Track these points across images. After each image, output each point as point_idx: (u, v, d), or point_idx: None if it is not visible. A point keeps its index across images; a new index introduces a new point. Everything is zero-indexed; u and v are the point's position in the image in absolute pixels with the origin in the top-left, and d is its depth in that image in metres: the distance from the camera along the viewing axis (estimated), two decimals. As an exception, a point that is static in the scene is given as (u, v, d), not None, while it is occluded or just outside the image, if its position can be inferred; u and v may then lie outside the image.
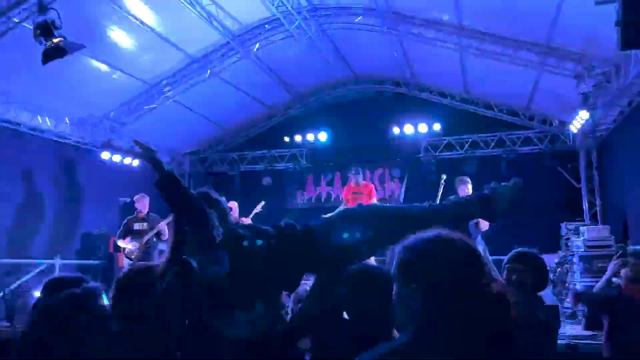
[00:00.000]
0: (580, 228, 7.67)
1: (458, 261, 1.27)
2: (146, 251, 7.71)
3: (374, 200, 8.18)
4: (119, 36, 8.03)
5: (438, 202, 7.08)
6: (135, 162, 10.33)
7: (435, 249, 1.30)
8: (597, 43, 7.02)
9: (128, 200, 7.83)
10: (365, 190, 8.12)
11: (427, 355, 1.18)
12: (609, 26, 4.92)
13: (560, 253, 8.15)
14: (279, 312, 2.54)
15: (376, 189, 11.44)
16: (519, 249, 3.03)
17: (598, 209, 9.92)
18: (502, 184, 2.86)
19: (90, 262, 9.10)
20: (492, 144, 11.04)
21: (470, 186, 7.04)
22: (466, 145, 11.20)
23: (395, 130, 11.41)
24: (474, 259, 1.29)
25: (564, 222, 8.56)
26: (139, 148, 2.49)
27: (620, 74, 7.25)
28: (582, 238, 7.32)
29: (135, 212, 7.93)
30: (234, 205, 8.08)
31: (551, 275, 8.13)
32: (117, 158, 9.93)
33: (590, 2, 5.09)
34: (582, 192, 10.23)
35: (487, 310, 1.21)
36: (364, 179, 8.61)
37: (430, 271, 1.28)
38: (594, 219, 9.85)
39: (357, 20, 8.89)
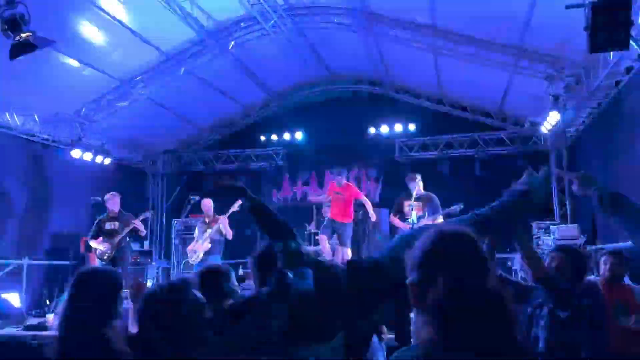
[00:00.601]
0: (551, 227, 7.83)
1: (449, 256, 1.26)
2: (119, 250, 7.58)
3: (364, 199, 8.25)
4: (90, 32, 7.86)
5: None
6: (107, 161, 10.14)
7: (429, 243, 1.29)
8: (568, 46, 7.17)
9: (99, 199, 7.68)
10: (346, 192, 8.19)
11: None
12: (579, 30, 5.03)
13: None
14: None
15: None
16: (561, 243, 3.31)
17: (568, 208, 10.14)
18: (534, 175, 2.95)
19: (61, 262, 8.88)
20: (466, 144, 11.19)
21: (420, 183, 7.19)
22: (441, 146, 11.33)
23: (371, 130, 11.47)
24: (470, 255, 1.27)
25: (535, 222, 8.72)
26: (225, 182, 2.95)
27: (589, 76, 7.43)
28: (552, 237, 7.47)
29: (107, 212, 7.79)
30: (209, 202, 8.00)
31: (522, 274, 8.28)
32: (88, 157, 9.70)
33: (561, 5, 5.19)
34: (553, 192, 10.45)
35: (479, 306, 1.20)
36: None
37: (417, 266, 1.29)
38: (564, 219, 10.07)
39: (333, 20, 8.89)
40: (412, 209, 7.05)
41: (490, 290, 1.23)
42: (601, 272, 4.14)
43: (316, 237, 8.93)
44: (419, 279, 1.29)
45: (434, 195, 7.35)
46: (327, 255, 8.22)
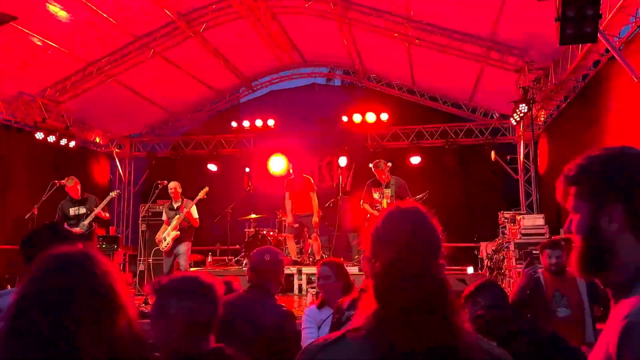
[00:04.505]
0: (517, 217, 7.97)
1: (394, 234, 1.29)
2: (85, 236, 7.34)
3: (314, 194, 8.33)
4: (56, 10, 7.56)
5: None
6: (72, 144, 9.84)
7: (380, 221, 1.35)
8: (538, 38, 7.28)
9: (62, 182, 7.43)
10: (298, 186, 8.30)
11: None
12: (549, 22, 5.10)
13: (499, 241, 8.45)
14: None
15: (324, 177, 11.58)
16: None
17: (534, 198, 10.38)
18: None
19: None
20: (437, 135, 11.31)
21: (387, 169, 7.26)
22: (412, 136, 11.42)
23: (344, 118, 11.46)
24: (413, 234, 1.27)
25: (502, 211, 8.87)
26: None
27: (558, 69, 7.57)
28: (517, 226, 7.61)
29: (68, 196, 7.53)
30: (176, 185, 7.70)
31: (488, 262, 8.44)
32: (52, 139, 9.37)
33: (532, -3, 5.26)
34: (520, 183, 10.68)
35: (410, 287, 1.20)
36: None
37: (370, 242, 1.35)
38: (529, 208, 10.31)
39: (307, 5, 8.79)
40: (382, 196, 7.12)
41: (425, 272, 1.21)
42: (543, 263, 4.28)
43: (284, 225, 8.93)
44: (371, 253, 1.31)
45: (403, 181, 7.42)
46: (292, 254, 8.28)
